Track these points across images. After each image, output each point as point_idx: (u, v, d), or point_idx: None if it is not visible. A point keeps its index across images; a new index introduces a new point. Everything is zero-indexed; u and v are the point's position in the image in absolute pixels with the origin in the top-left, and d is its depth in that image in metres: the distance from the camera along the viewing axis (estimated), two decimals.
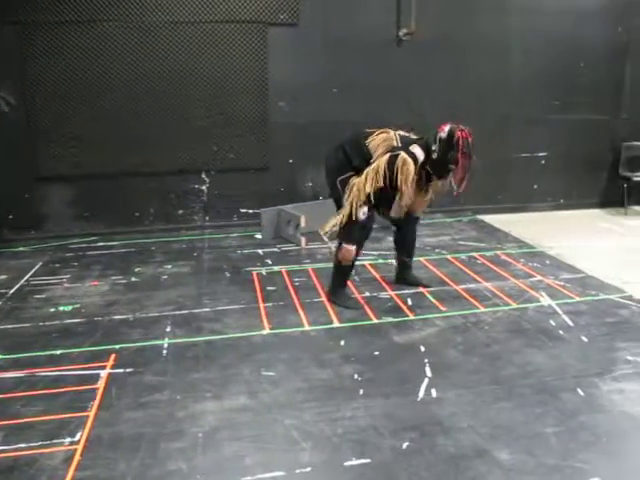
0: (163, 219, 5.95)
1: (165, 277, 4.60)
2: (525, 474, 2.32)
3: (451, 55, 6.22)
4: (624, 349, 3.38)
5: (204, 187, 5.98)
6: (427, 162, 3.68)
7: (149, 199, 5.90)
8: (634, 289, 4.30)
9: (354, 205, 3.68)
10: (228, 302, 4.07)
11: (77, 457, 2.40)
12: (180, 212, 6.00)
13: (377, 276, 4.56)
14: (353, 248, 3.81)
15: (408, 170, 3.58)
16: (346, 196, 3.74)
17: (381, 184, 3.61)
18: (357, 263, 4.67)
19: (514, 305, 4.01)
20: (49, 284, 4.44)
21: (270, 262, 4.94)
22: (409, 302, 4.05)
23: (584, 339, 3.51)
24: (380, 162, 3.62)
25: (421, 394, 2.89)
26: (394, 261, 4.45)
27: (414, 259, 4.41)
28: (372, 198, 3.64)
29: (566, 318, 3.81)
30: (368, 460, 2.40)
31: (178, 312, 3.91)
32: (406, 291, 4.24)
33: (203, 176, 5.94)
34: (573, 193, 7.06)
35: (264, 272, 4.69)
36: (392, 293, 4.21)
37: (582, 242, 5.65)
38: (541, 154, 6.81)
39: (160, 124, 5.66)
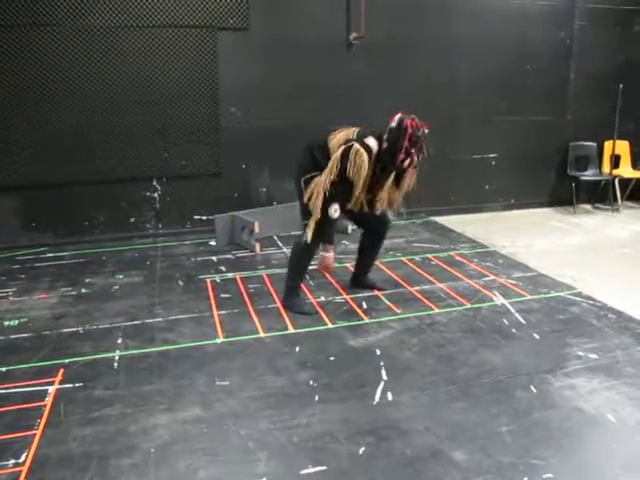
0: (114, 228, 5.81)
1: (117, 287, 4.49)
2: (481, 473, 2.33)
3: (401, 58, 6.28)
4: (575, 345, 3.45)
5: (156, 194, 5.87)
6: (380, 153, 3.65)
7: (99, 207, 5.74)
8: (584, 286, 4.41)
9: (318, 205, 3.67)
10: (181, 311, 3.99)
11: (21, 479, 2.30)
12: (132, 220, 5.87)
13: (332, 280, 4.54)
14: (331, 254, 3.82)
15: (361, 160, 3.54)
16: (306, 197, 3.73)
17: (335, 177, 3.58)
18: (311, 268, 4.67)
19: (468, 305, 4.05)
20: None
21: (224, 269, 4.87)
22: (364, 305, 4.05)
23: (536, 336, 3.57)
24: (335, 156, 3.61)
25: (377, 398, 2.88)
26: (351, 264, 4.44)
27: None
28: (334, 193, 3.62)
29: (519, 316, 3.86)
30: (324, 467, 2.37)
31: (130, 323, 3.81)
32: (361, 294, 4.24)
33: (154, 183, 5.83)
34: (523, 193, 7.21)
35: (218, 279, 4.62)
36: (347, 297, 4.20)
37: (533, 241, 5.77)
38: (491, 155, 6.93)
39: (109, 130, 5.53)
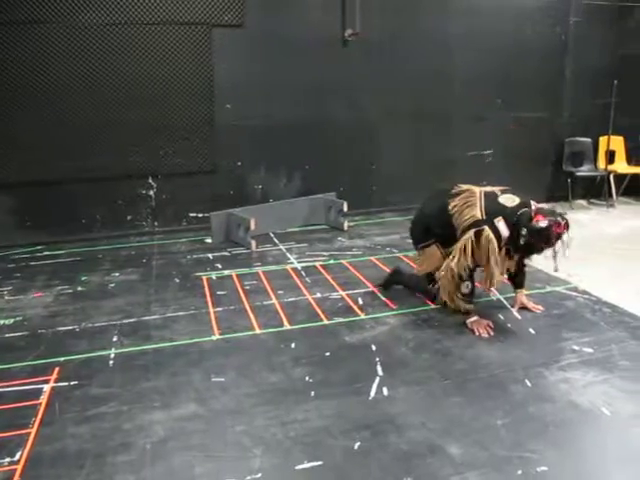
0: (110, 226, 5.81)
1: (113, 285, 4.48)
2: (476, 467, 2.33)
3: (396, 55, 6.28)
4: (570, 339, 3.46)
5: (152, 192, 5.87)
6: (511, 241, 3.43)
7: (95, 206, 5.75)
8: (579, 281, 4.42)
9: (449, 289, 3.58)
10: (177, 308, 3.98)
11: (17, 478, 2.29)
12: (128, 218, 5.87)
13: (328, 277, 4.54)
14: (475, 317, 3.63)
15: (492, 247, 3.37)
16: (417, 267, 3.90)
17: (469, 263, 3.44)
18: (307, 265, 4.71)
19: None
20: None
21: (220, 266, 4.87)
22: (360, 302, 4.05)
23: (532, 331, 3.57)
24: (465, 239, 3.44)
25: (373, 393, 2.88)
26: (347, 262, 4.43)
27: (365, 258, 4.41)
28: (465, 274, 3.50)
29: (514, 312, 3.87)
30: (320, 462, 2.37)
31: (126, 321, 3.80)
32: (357, 291, 4.25)
33: (150, 181, 5.83)
34: (519, 189, 7.11)
35: (214, 277, 4.62)
36: (343, 293, 4.20)
37: None
38: (487, 152, 6.94)
39: (104, 128, 5.53)
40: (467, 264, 3.45)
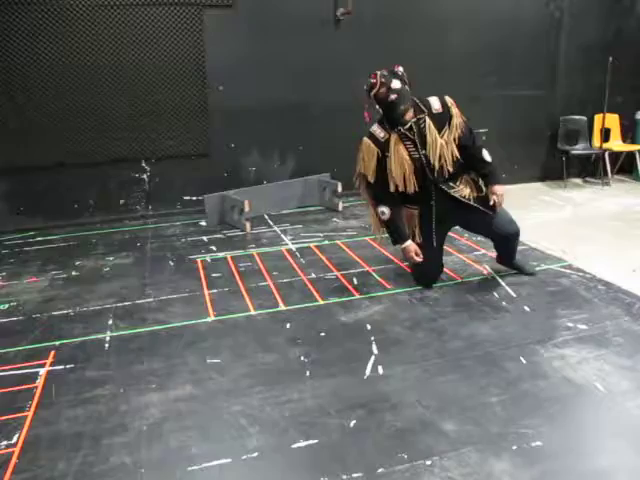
0: (104, 210, 5.77)
1: (107, 269, 4.47)
2: (471, 443, 2.35)
3: (389, 34, 6.20)
4: (564, 316, 3.47)
5: (145, 176, 5.83)
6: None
7: (88, 190, 5.71)
8: (574, 258, 4.42)
9: (371, 214, 3.96)
10: (172, 291, 3.98)
11: (14, 460, 2.30)
12: (121, 202, 5.84)
13: (323, 257, 4.54)
14: (407, 244, 3.81)
15: (365, 147, 3.74)
16: None
17: (360, 172, 3.85)
18: (302, 245, 4.71)
19: (458, 280, 4.05)
20: None
21: (215, 249, 4.86)
22: (355, 282, 4.04)
23: (526, 309, 3.58)
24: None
25: (368, 372, 2.89)
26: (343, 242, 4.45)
27: (360, 238, 4.39)
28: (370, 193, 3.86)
29: (509, 289, 3.87)
30: (316, 441, 2.38)
31: (120, 304, 3.80)
32: (352, 271, 4.24)
33: (143, 164, 5.79)
34: (515, 167, 7.19)
35: (209, 259, 4.61)
36: (338, 274, 4.20)
37: (524, 215, 5.72)
38: (482, 130, 6.88)
39: (96, 112, 5.47)
40: (362, 173, 3.82)
